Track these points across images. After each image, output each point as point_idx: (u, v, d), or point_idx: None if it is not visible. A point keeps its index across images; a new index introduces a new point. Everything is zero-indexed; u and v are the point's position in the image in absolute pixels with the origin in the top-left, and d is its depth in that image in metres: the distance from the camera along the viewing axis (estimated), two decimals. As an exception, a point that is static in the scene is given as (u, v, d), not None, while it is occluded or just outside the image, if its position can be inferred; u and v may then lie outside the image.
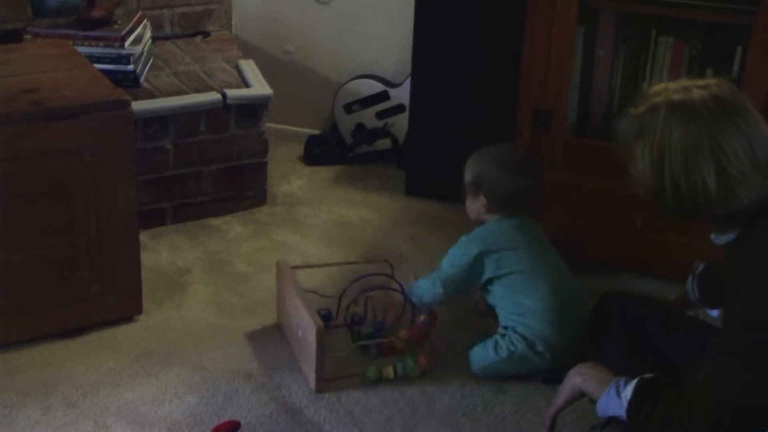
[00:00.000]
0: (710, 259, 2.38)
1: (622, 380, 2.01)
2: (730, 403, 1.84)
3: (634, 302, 2.48)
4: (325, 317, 2.65)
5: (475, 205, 2.71)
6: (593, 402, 2.08)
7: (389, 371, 2.55)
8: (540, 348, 2.52)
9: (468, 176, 2.71)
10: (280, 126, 3.77)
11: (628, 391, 1.96)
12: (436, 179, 3.49)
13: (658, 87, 1.96)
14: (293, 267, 2.75)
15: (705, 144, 1.86)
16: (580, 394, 2.13)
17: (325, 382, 2.49)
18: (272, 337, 2.68)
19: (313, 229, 3.27)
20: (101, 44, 3.12)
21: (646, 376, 1.98)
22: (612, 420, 2.02)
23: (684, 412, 1.87)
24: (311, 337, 2.44)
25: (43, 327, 2.61)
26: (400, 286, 2.72)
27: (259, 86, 3.31)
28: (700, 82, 1.93)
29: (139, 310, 2.74)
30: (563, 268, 2.65)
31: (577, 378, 2.12)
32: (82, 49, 3.01)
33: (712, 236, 2.00)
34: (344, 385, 2.52)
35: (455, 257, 2.64)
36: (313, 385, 2.49)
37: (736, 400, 1.84)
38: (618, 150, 1.99)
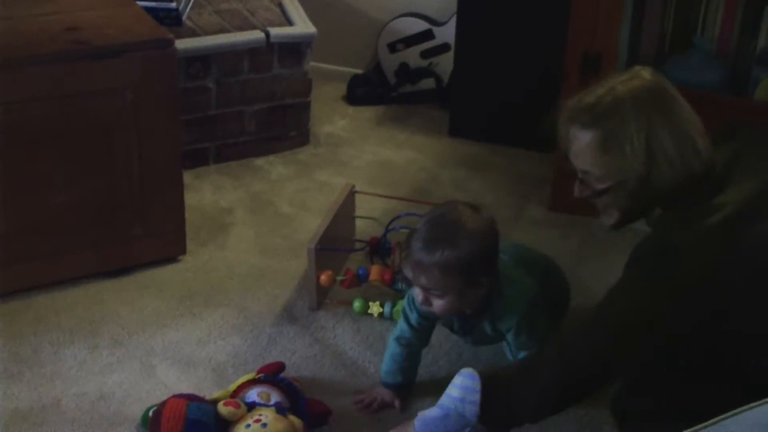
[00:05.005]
0: None
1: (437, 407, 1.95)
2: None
3: None
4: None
5: (473, 297, 2.16)
6: None
7: (375, 309, 2.52)
8: None
9: (452, 270, 2.04)
10: (323, 65, 3.72)
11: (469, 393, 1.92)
12: (481, 120, 3.45)
13: (589, 94, 1.96)
14: (355, 191, 2.76)
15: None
16: None
17: (321, 303, 2.57)
18: (316, 279, 2.67)
19: (356, 170, 3.24)
20: (143, -19, 3.08)
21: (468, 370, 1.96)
22: None
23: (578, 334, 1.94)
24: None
25: (87, 267, 2.62)
26: None
27: (302, 25, 3.26)
28: (622, 78, 1.96)
29: (182, 251, 2.74)
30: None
31: None
32: (123, -13, 2.98)
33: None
34: (338, 312, 2.55)
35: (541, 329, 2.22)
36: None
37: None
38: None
